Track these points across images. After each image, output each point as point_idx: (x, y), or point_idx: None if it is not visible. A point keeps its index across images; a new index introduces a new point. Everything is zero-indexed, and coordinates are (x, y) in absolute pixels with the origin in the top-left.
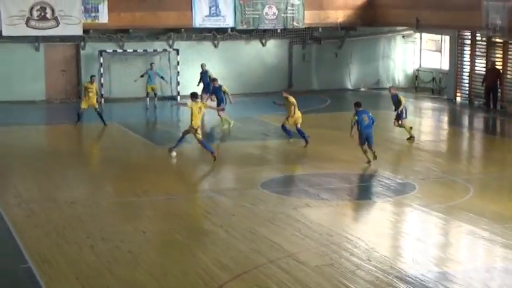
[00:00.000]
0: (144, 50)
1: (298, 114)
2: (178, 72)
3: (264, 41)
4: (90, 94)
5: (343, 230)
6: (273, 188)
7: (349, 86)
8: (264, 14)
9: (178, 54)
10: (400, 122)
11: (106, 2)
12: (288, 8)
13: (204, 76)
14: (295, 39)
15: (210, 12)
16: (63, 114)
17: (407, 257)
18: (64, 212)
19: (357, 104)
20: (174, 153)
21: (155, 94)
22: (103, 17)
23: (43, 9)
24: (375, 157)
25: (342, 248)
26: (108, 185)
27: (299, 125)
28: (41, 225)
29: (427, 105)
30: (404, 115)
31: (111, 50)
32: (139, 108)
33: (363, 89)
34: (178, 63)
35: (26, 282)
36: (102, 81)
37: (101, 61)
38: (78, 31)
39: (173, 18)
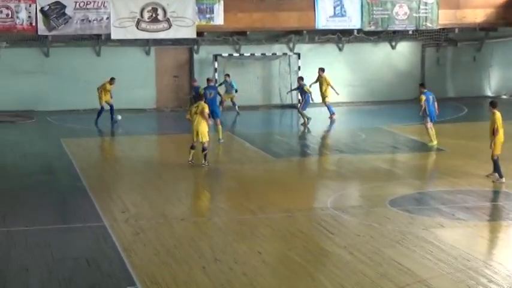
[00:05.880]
0: (262, 54)
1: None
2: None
3: (393, 44)
4: None
5: (481, 254)
6: (403, 205)
7: (489, 93)
8: (394, 13)
9: (299, 58)
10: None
11: (222, 2)
12: (421, 7)
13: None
14: (429, 41)
15: (334, 13)
16: (175, 123)
17: None
18: (174, 230)
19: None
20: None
21: (234, 103)
22: (218, 19)
23: (154, 10)
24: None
25: (479, 274)
26: (222, 201)
27: None
28: (150, 244)
29: None
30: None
31: (227, 54)
32: (254, 118)
33: (504, 96)
34: (299, 68)
35: None
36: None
37: (216, 66)
38: (191, 33)
39: (294, 19)
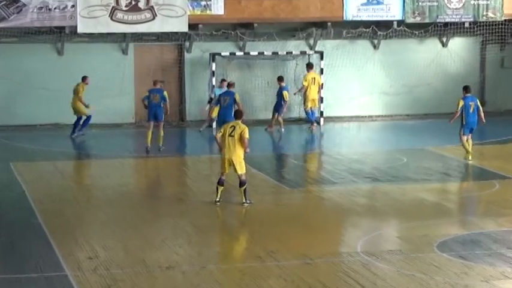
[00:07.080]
0: (273, 53)
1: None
2: (321, 84)
3: (444, 40)
4: None
5: None
6: (455, 250)
7: None
8: (446, 0)
9: (322, 58)
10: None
11: None
12: None
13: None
14: (491, 36)
15: None
16: (158, 143)
17: None
18: (157, 281)
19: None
20: None
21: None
22: (217, 7)
23: None
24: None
25: None
26: (219, 244)
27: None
28: None
29: None
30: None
31: (228, 53)
32: (263, 136)
33: None
34: (322, 71)
35: None
36: (213, 96)
37: (213, 68)
38: (181, 26)
39: (315, 7)
